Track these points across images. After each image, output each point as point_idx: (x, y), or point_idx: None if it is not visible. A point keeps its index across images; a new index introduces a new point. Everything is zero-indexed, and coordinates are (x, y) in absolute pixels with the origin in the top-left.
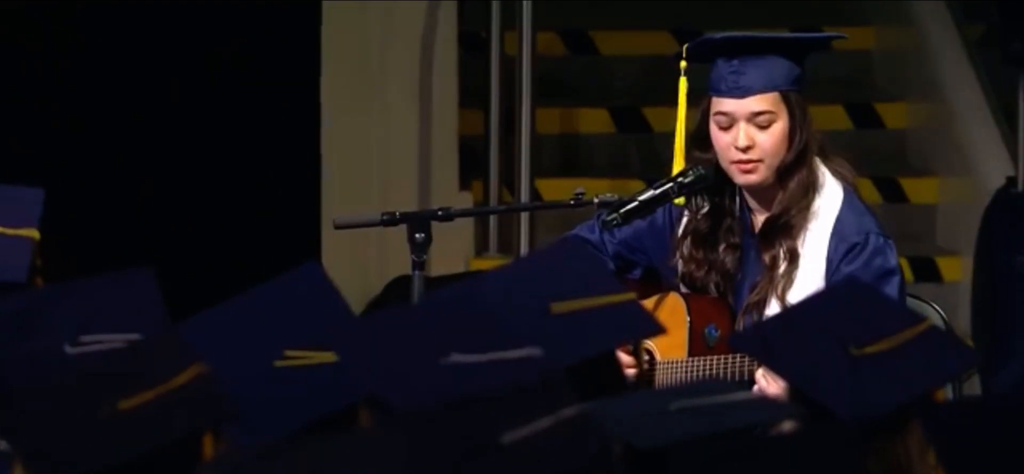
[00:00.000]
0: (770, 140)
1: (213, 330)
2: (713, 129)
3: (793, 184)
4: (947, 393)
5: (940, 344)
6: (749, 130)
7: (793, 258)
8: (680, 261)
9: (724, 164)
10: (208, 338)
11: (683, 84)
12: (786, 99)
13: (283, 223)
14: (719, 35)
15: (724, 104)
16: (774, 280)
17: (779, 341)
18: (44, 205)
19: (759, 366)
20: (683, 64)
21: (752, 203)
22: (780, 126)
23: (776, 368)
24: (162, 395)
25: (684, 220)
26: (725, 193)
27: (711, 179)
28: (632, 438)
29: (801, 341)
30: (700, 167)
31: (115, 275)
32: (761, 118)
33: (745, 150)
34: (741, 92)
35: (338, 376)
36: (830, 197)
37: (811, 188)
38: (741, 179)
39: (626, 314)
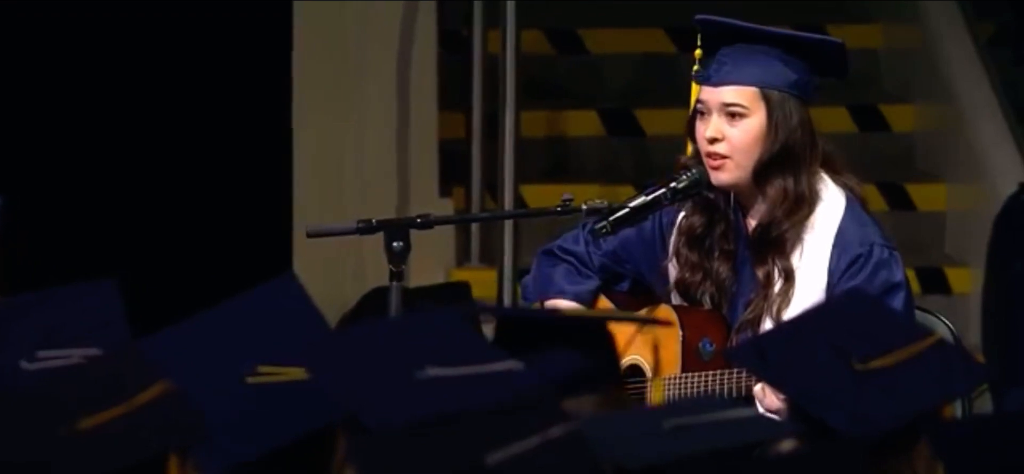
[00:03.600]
0: (739, 136)
1: (182, 345)
2: (696, 119)
3: (773, 190)
4: (956, 410)
5: (948, 359)
6: (719, 122)
7: (788, 277)
8: (673, 265)
9: (703, 158)
10: (177, 353)
11: (697, 76)
12: (766, 97)
13: (252, 232)
14: (715, 18)
15: (702, 92)
16: (769, 298)
17: (777, 354)
18: (4, 213)
19: (756, 382)
20: (698, 53)
21: (742, 207)
22: (753, 123)
23: (774, 382)
24: (125, 414)
25: (678, 221)
26: (719, 196)
27: (706, 184)
28: (624, 458)
29: (801, 354)
30: (694, 171)
31: (76, 287)
32: (733, 109)
33: (712, 142)
34: (718, 81)
35: (314, 394)
36: (831, 208)
37: (803, 201)
38: (712, 177)
39: None
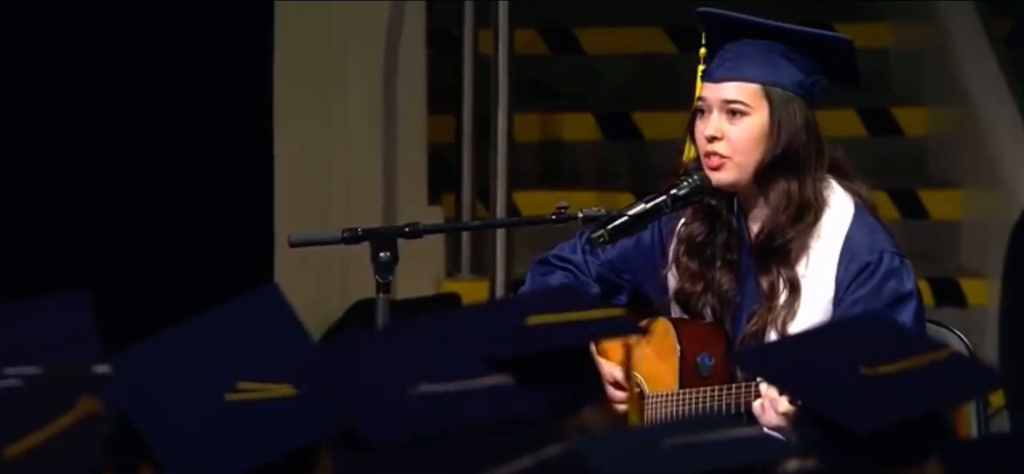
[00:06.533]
0: (739, 135)
1: (159, 359)
2: (696, 118)
3: (775, 194)
4: (972, 429)
5: (963, 367)
6: (719, 120)
7: (794, 288)
8: (673, 275)
9: (702, 159)
10: (153, 367)
11: (701, 74)
12: (769, 95)
13: (233, 241)
14: (717, 11)
15: (703, 88)
16: (773, 310)
17: (785, 358)
18: None
19: (755, 398)
20: (702, 52)
21: (745, 212)
22: (754, 122)
23: (781, 383)
24: (48, 439)
25: (677, 229)
26: (721, 203)
27: (708, 191)
28: None
29: (809, 359)
30: (696, 177)
31: (46, 298)
32: (733, 106)
33: (710, 140)
34: (719, 77)
35: (297, 411)
36: (839, 214)
37: (808, 207)
38: (711, 177)
39: (606, 318)
